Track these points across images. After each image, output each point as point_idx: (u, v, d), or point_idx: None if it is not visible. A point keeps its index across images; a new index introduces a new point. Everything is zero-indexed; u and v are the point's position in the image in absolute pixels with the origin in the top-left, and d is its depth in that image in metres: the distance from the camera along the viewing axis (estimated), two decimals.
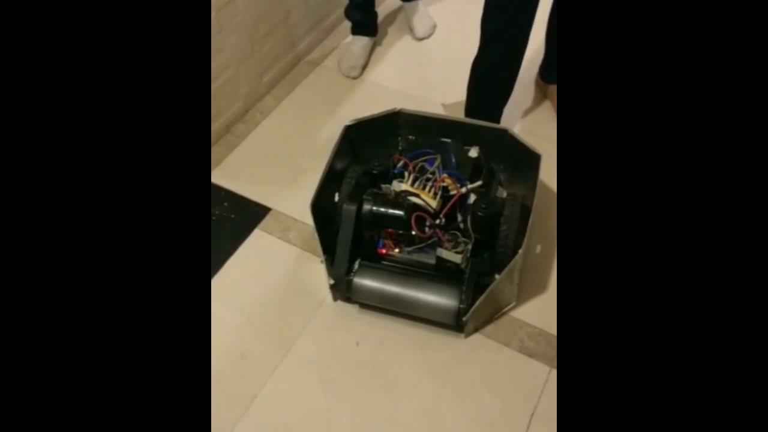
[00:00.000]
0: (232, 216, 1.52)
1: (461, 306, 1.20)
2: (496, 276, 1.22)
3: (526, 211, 1.29)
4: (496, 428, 1.14)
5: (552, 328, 1.27)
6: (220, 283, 1.38)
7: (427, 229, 1.26)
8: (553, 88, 1.73)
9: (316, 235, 1.25)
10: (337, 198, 1.36)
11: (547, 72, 1.73)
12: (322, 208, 1.29)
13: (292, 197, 1.55)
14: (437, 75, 1.91)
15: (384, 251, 1.30)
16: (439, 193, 1.28)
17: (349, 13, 1.91)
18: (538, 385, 1.19)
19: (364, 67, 1.92)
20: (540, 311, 1.30)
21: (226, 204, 1.55)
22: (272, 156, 1.68)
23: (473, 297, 1.21)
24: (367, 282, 1.26)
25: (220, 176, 1.61)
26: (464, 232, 1.28)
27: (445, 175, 1.30)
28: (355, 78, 1.89)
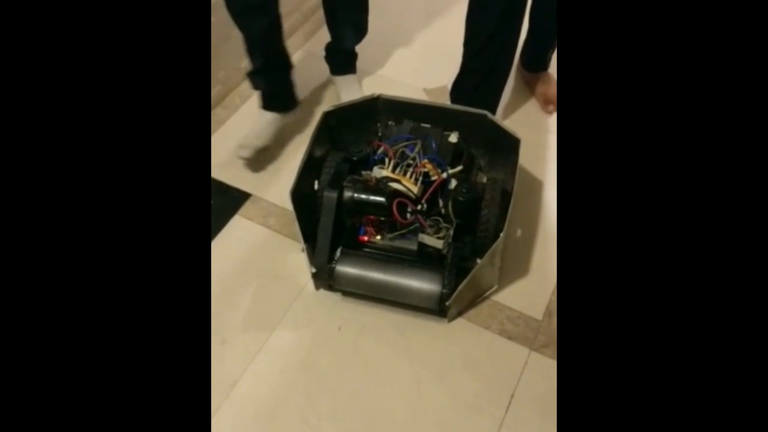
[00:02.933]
0: (212, 202, 1.51)
1: (444, 291, 1.21)
2: (478, 260, 1.23)
3: (506, 196, 1.29)
4: (476, 409, 1.16)
5: (531, 311, 1.29)
6: None
7: (408, 215, 1.26)
8: (534, 77, 1.73)
9: (296, 224, 1.25)
10: (316, 186, 1.35)
11: (528, 60, 1.72)
12: (301, 195, 1.28)
13: (272, 183, 1.54)
14: (420, 60, 1.90)
15: (366, 238, 1.30)
16: (420, 178, 1.28)
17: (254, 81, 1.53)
18: (517, 366, 1.21)
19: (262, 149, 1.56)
20: (520, 294, 1.32)
21: None
22: None
23: (455, 282, 1.22)
24: (349, 269, 1.26)
25: None
26: (445, 218, 1.29)
27: (425, 160, 1.30)
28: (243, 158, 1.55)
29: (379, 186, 1.27)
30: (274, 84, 1.52)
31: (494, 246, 1.19)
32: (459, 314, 1.28)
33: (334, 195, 1.25)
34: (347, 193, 1.26)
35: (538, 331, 1.26)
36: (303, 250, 1.28)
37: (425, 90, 1.76)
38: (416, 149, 1.31)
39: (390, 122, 1.42)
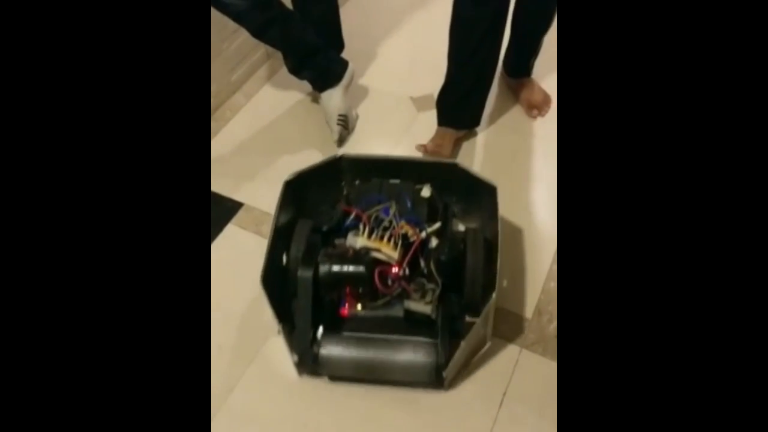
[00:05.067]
0: None
1: (440, 362, 1.15)
2: (467, 318, 1.17)
3: (486, 243, 1.22)
4: (469, 408, 1.16)
5: (521, 310, 1.30)
6: None
7: (391, 282, 1.20)
8: (517, 83, 1.71)
9: (270, 309, 1.14)
10: (284, 259, 1.25)
11: (512, 67, 1.71)
12: (273, 271, 1.20)
13: (264, 192, 1.51)
14: (405, 69, 1.87)
15: (346, 312, 1.22)
16: (399, 242, 1.20)
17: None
18: (509, 364, 1.21)
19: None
20: (509, 295, 1.33)
21: None
22: (243, 152, 1.66)
23: (449, 348, 1.15)
24: (335, 353, 1.18)
25: None
26: (429, 277, 1.21)
27: (402, 221, 1.21)
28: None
29: (357, 256, 1.18)
30: (317, 68, 1.58)
31: (487, 307, 1.11)
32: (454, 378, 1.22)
33: (309, 274, 1.14)
34: (323, 268, 1.15)
35: (528, 330, 1.26)
36: (279, 332, 1.18)
37: (411, 98, 1.74)
38: (392, 212, 1.22)
39: (356, 181, 1.32)
